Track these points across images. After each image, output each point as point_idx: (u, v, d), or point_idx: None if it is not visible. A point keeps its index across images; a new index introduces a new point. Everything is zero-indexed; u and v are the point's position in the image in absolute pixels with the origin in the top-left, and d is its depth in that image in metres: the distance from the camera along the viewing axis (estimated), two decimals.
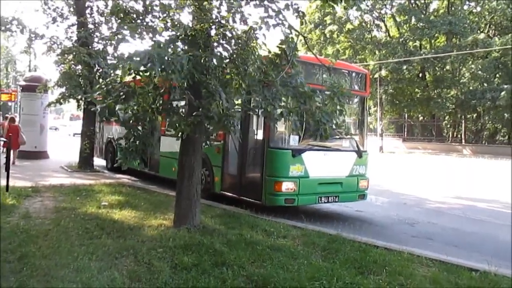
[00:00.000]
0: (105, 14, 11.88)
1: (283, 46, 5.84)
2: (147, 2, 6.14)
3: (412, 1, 38.74)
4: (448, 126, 41.07)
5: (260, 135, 8.19)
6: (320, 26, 40.68)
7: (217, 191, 8.79)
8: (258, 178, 7.92)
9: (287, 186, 7.58)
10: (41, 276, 4.13)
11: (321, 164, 7.98)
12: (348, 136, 8.77)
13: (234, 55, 5.60)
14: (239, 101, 6.29)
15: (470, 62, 35.10)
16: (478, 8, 37.06)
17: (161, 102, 5.79)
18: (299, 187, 7.70)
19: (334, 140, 8.21)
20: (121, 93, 5.23)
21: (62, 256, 4.65)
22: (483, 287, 4.64)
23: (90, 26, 12.59)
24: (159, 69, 4.57)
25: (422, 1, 39.29)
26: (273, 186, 7.56)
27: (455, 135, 39.76)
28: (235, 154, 8.48)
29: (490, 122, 36.69)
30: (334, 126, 6.00)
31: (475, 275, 4.92)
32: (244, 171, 8.33)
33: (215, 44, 5.71)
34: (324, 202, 8.30)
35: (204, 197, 8.52)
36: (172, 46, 5.00)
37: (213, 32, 5.79)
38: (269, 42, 5.92)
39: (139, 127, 5.73)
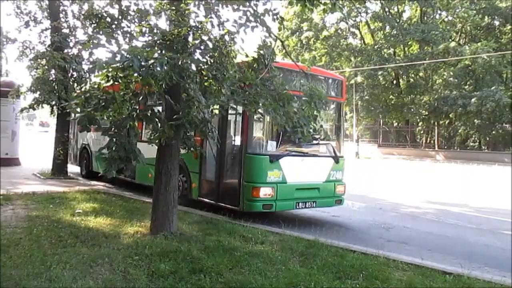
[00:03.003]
0: (80, 18, 11.71)
1: (261, 51, 5.88)
2: (123, 7, 6.09)
3: (386, 9, 39.57)
4: (422, 132, 41.96)
5: (237, 141, 8.19)
6: (297, 33, 41.10)
7: (194, 197, 8.73)
8: (236, 184, 7.89)
9: (264, 191, 7.58)
10: (12, 287, 4.01)
11: (299, 169, 8.01)
12: (325, 142, 8.84)
13: (212, 60, 5.60)
14: (216, 106, 6.25)
15: (442, 69, 36.03)
16: (450, 17, 38.11)
17: (137, 108, 5.70)
18: (277, 193, 7.69)
19: (311, 145, 8.26)
20: (101, 100, 5.15)
21: (34, 266, 4.53)
22: None
23: (65, 30, 12.39)
24: (138, 68, 4.54)
25: (396, 10, 40.19)
26: (251, 192, 7.54)
27: (428, 141, 40.63)
28: (213, 160, 8.43)
29: (461, 127, 37.67)
30: (311, 131, 6.04)
31: (449, 278, 5.03)
32: (221, 177, 8.29)
33: (193, 49, 5.70)
34: (302, 208, 8.32)
35: (181, 204, 8.42)
36: (148, 50, 4.97)
37: (190, 37, 5.78)
38: (247, 47, 5.96)
39: (121, 134, 5.64)
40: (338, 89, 9.24)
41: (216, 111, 6.46)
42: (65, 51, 11.83)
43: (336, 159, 8.68)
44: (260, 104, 5.53)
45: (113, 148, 5.25)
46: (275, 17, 5.91)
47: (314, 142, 8.12)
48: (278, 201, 7.75)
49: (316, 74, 8.87)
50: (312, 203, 8.30)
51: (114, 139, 5.28)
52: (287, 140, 7.82)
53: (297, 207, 8.16)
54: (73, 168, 13.77)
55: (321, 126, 7.63)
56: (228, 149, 8.30)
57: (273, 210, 7.86)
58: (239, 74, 5.78)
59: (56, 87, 11.84)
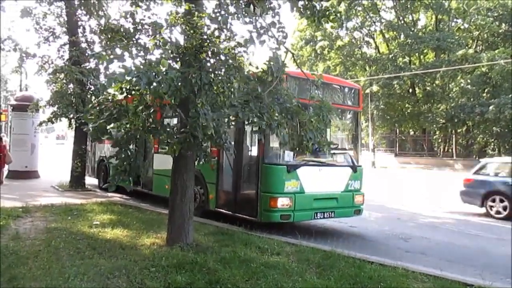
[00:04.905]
0: (97, 33, 11.93)
1: (271, 63, 5.88)
2: (137, 21, 6.20)
3: (401, 18, 39.40)
4: (439, 140, 41.35)
5: (254, 151, 8.16)
6: (311, 43, 41.14)
7: (211, 209, 8.70)
8: (253, 194, 7.83)
9: (282, 202, 7.50)
10: None
11: (317, 179, 7.92)
12: (343, 151, 8.77)
13: (222, 71, 5.65)
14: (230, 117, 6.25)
15: (459, 77, 35.59)
16: (466, 25, 37.75)
17: (151, 120, 5.77)
18: (295, 203, 7.61)
19: (329, 155, 8.19)
20: (113, 112, 5.22)
21: (53, 278, 4.58)
22: None
23: (83, 45, 12.63)
24: (146, 85, 4.60)
25: (410, 18, 39.98)
26: (269, 202, 7.48)
27: (446, 150, 40.01)
28: (230, 170, 8.41)
29: (479, 136, 37.04)
30: (319, 143, 5.99)
31: None
32: (239, 188, 8.25)
33: (204, 62, 5.75)
34: (320, 218, 8.21)
35: (198, 215, 8.44)
36: (159, 63, 5.03)
37: (202, 49, 5.84)
38: (258, 58, 5.98)
39: (131, 146, 5.71)
40: (354, 98, 9.13)
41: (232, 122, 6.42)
42: (83, 65, 12.05)
43: (354, 168, 8.56)
44: (265, 119, 5.48)
45: (121, 160, 5.31)
46: (281, 32, 5.94)
47: (331, 152, 8.05)
48: (296, 211, 7.66)
49: (332, 83, 8.85)
50: (330, 213, 8.17)
51: (123, 149, 5.35)
52: (291, 149, 7.74)
53: (315, 217, 8.05)
54: (90, 180, 13.93)
55: (329, 139, 7.60)
56: (245, 160, 8.28)
57: (291, 220, 7.77)
58: (248, 87, 5.78)
59: (74, 101, 12.04)
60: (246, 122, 5.89)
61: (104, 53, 5.03)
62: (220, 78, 5.57)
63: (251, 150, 8.34)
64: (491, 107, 31.08)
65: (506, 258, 7.09)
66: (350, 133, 9.41)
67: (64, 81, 12.40)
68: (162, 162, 9.37)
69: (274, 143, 7.89)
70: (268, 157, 7.72)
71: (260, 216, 7.63)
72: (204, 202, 8.88)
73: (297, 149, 6.15)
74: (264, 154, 7.69)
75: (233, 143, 8.41)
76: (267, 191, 7.57)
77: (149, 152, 10.79)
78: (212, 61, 5.76)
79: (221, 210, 8.52)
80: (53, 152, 34.19)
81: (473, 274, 5.68)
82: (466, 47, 34.71)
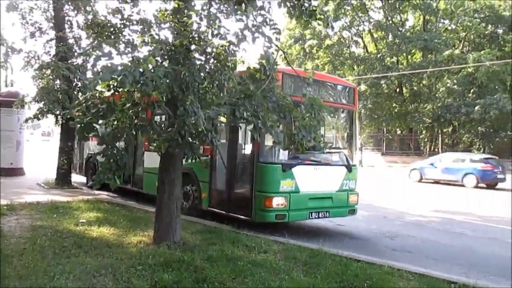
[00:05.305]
0: (84, 28, 11.82)
1: (263, 61, 5.87)
2: (126, 16, 6.14)
3: (389, 18, 39.68)
4: (426, 140, 41.79)
5: (248, 149, 8.05)
6: (300, 41, 41.23)
7: (204, 208, 8.54)
8: (248, 193, 7.69)
9: (277, 201, 7.38)
10: None
11: (312, 178, 7.81)
12: (338, 150, 8.71)
13: (213, 69, 5.62)
14: (222, 115, 6.20)
15: (446, 77, 36.00)
16: (453, 26, 38.18)
17: (137, 117, 5.71)
18: (290, 203, 7.49)
19: (325, 154, 8.07)
20: (100, 109, 5.17)
21: (38, 276, 4.52)
22: None
23: (70, 41, 12.49)
24: (132, 83, 4.56)
25: (399, 18, 40.29)
26: (264, 201, 7.35)
27: (432, 149, 40.44)
28: (223, 169, 8.26)
29: (465, 135, 37.54)
30: (312, 140, 5.99)
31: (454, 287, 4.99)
32: (232, 187, 8.10)
33: (195, 59, 5.73)
34: (315, 218, 8.09)
35: (191, 214, 8.38)
36: (146, 59, 4.99)
37: (192, 47, 5.81)
38: (250, 56, 5.98)
39: (118, 144, 5.67)
40: (350, 96, 8.99)
41: (223, 119, 6.34)
42: (70, 61, 11.92)
43: (349, 167, 8.49)
44: (260, 118, 5.45)
45: (107, 157, 5.27)
46: (273, 29, 5.93)
47: (325, 150, 7.96)
48: (291, 211, 7.54)
49: (328, 81, 8.74)
50: (325, 213, 8.06)
51: (110, 146, 5.30)
52: (285, 148, 7.66)
53: (310, 217, 7.93)
54: (78, 178, 13.79)
55: (323, 136, 7.58)
56: (239, 158, 8.14)
57: (286, 220, 7.65)
58: (243, 82, 5.77)
59: (60, 97, 11.92)
60: (242, 121, 5.83)
61: (91, 49, 4.98)
62: (211, 77, 5.54)
63: (244, 149, 8.21)
64: (476, 107, 31.54)
65: (490, 257, 7.22)
66: (345, 132, 9.31)
67: (51, 77, 12.25)
68: (153, 160, 9.23)
69: (269, 141, 7.81)
70: (263, 156, 7.56)
71: (254, 216, 7.50)
72: (197, 200, 8.71)
73: (291, 147, 6.11)
74: (259, 152, 7.53)
75: (223, 141, 8.43)
76: (262, 190, 7.45)
77: (140, 150, 10.69)
78: (202, 59, 5.73)
79: (214, 209, 8.36)
80: (39, 149, 33.80)
81: (458, 272, 5.76)
82: (453, 48, 35.12)
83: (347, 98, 8.98)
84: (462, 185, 20.61)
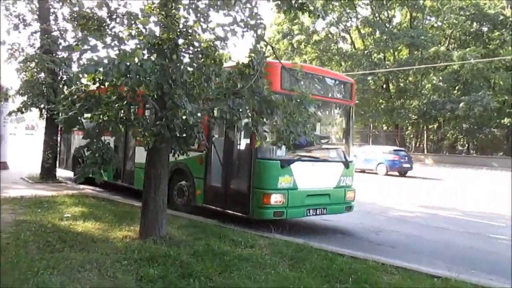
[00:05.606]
0: (70, 21, 11.65)
1: (252, 55, 5.84)
2: (112, 9, 6.07)
3: (376, 14, 39.91)
4: (411, 136, 42.30)
5: (243, 145, 7.95)
6: (288, 36, 41.27)
7: (199, 204, 8.37)
8: (245, 190, 7.53)
9: (276, 198, 7.25)
10: None
11: (309, 175, 7.71)
12: (336, 146, 8.65)
13: (201, 64, 5.59)
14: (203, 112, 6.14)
15: (432, 74, 36.41)
16: (439, 23, 38.59)
17: (123, 111, 5.65)
18: (288, 200, 7.38)
19: (322, 150, 8.01)
20: (86, 103, 5.12)
21: (21, 272, 4.47)
22: None
23: (55, 33, 12.29)
24: (116, 75, 4.51)
25: (386, 15, 40.56)
26: (262, 198, 7.21)
27: (417, 145, 40.97)
28: (219, 165, 8.10)
29: (450, 132, 38.09)
30: (302, 136, 5.95)
31: (437, 282, 5.07)
32: (229, 183, 7.93)
33: (182, 54, 5.69)
34: (313, 215, 8.00)
35: (185, 211, 8.27)
36: (134, 52, 4.94)
37: (180, 41, 5.78)
38: (238, 52, 5.94)
39: (104, 138, 5.62)
40: (347, 92, 8.81)
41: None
42: (55, 54, 11.75)
43: (347, 164, 8.41)
44: (240, 116, 5.39)
45: (92, 151, 5.22)
46: (259, 23, 5.89)
47: (322, 146, 7.84)
48: (289, 208, 7.44)
49: (325, 75, 8.60)
50: (322, 209, 7.98)
51: (95, 140, 5.26)
52: (297, 144, 7.21)
53: (308, 214, 7.81)
54: (62, 173, 13.63)
55: (312, 130, 7.51)
56: (236, 154, 8.00)
57: (284, 217, 7.54)
58: (227, 82, 5.72)
59: (45, 90, 11.76)
60: (220, 120, 5.78)
61: (77, 43, 4.90)
62: (198, 71, 5.51)
63: (241, 144, 8.08)
64: (461, 104, 32.01)
65: (472, 251, 7.35)
66: (341, 128, 9.21)
67: (35, 70, 12.07)
68: (145, 155, 9.11)
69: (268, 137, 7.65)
70: (262, 152, 7.37)
71: (252, 213, 7.38)
72: (191, 197, 8.54)
73: (277, 144, 6.05)
74: (258, 148, 7.28)
75: (217, 136, 8.36)
76: (260, 187, 7.29)
77: (130, 145, 10.54)
78: (190, 52, 5.69)
79: (209, 206, 8.22)
80: (23, 143, 33.33)
81: (441, 267, 5.85)
82: (439, 45, 35.52)
83: (344, 93, 8.80)
84: (376, 173, 23.76)
